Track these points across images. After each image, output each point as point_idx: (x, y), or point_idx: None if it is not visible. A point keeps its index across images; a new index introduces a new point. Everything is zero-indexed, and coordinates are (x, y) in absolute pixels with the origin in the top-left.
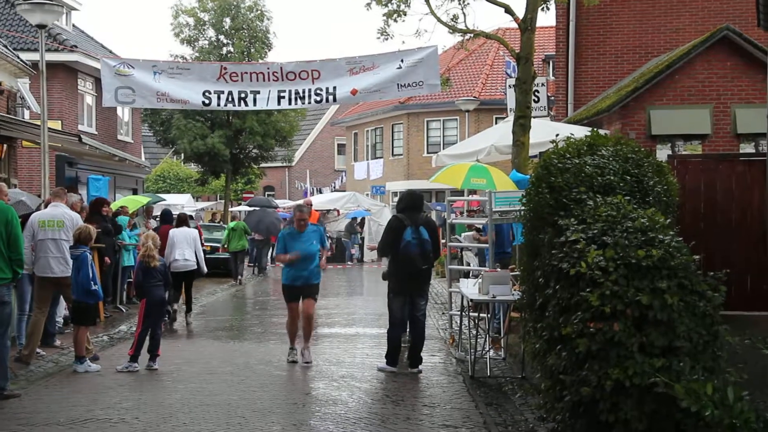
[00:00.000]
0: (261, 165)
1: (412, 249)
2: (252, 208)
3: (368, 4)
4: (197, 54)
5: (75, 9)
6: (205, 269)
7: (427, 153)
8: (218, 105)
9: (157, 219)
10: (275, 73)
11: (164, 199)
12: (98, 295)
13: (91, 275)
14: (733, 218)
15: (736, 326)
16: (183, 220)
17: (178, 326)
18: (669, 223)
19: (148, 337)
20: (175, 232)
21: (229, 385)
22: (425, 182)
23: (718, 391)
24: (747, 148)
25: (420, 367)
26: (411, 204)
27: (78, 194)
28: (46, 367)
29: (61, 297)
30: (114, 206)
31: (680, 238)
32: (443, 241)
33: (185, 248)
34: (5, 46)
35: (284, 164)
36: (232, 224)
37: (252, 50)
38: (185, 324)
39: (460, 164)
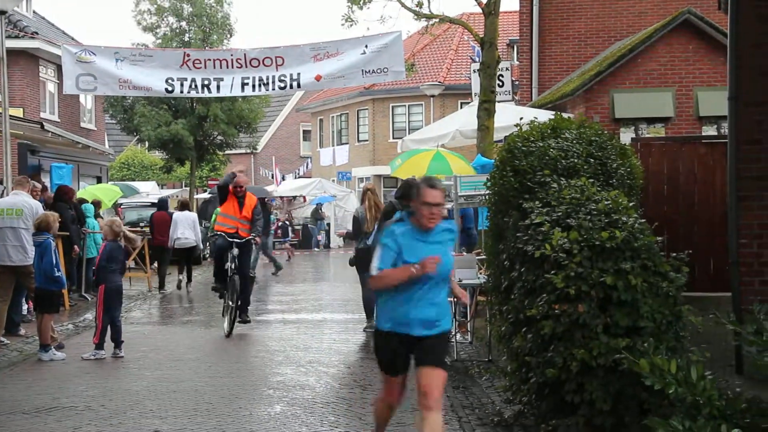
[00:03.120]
0: (226, 152)
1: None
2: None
3: None
4: (159, 41)
5: None
6: (201, 245)
7: (393, 138)
8: (181, 92)
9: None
10: (239, 60)
11: (137, 191)
12: (61, 282)
13: (54, 262)
14: (695, 200)
15: (699, 306)
16: (185, 205)
17: (144, 314)
18: (632, 205)
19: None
20: (177, 215)
21: (195, 372)
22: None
23: (682, 369)
24: (709, 131)
25: None
26: (407, 193)
27: (42, 182)
28: (11, 356)
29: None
30: (84, 194)
31: (643, 220)
32: None
33: (186, 228)
34: None
35: (249, 151)
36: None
37: (213, 37)
38: (186, 292)
39: (420, 155)
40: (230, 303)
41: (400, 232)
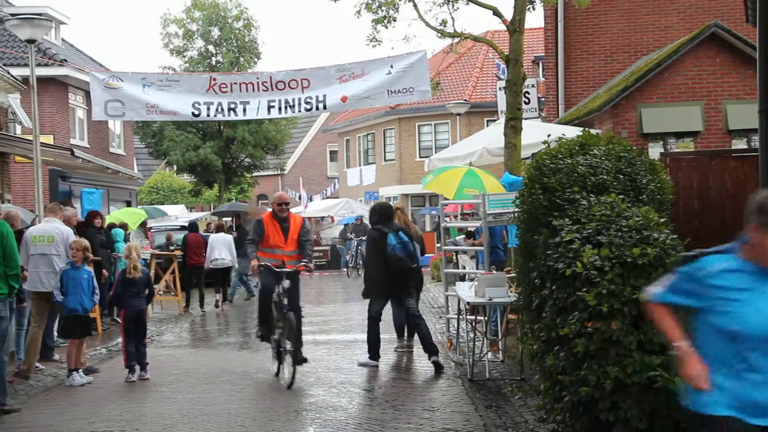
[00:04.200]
0: (253, 174)
1: (398, 251)
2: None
3: (358, 12)
4: (187, 64)
5: (63, 23)
6: (237, 265)
7: (419, 157)
8: (208, 116)
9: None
10: (265, 83)
11: (165, 213)
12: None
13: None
14: (727, 215)
15: None
16: (221, 227)
17: (175, 337)
18: (663, 221)
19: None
20: (213, 237)
21: (228, 395)
22: (418, 187)
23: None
24: (739, 144)
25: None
26: (384, 215)
27: (73, 207)
28: (45, 381)
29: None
30: (110, 219)
31: (675, 236)
32: (438, 245)
33: (222, 249)
34: None
35: (277, 172)
36: None
37: (241, 60)
38: (221, 311)
39: (455, 169)
40: (286, 345)
41: (724, 268)
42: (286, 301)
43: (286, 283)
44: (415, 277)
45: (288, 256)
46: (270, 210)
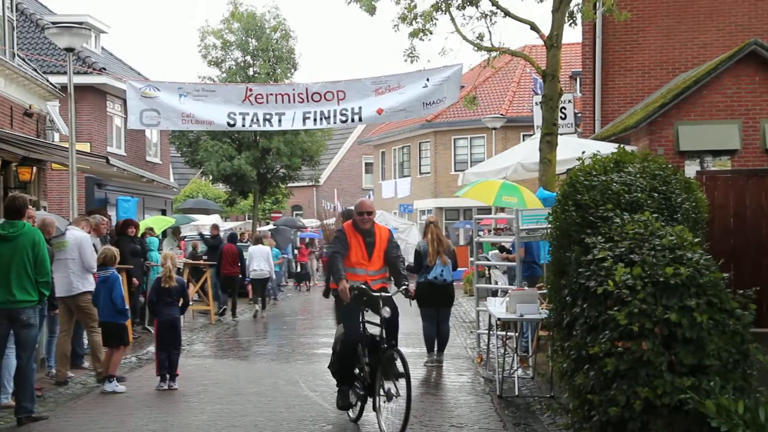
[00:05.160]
0: (288, 185)
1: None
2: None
3: (396, 26)
4: (224, 75)
5: (104, 32)
6: (274, 276)
7: (455, 171)
8: (243, 126)
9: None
10: (300, 95)
11: (195, 219)
12: (127, 315)
13: (122, 294)
14: (763, 233)
15: (766, 343)
16: (259, 240)
17: (205, 346)
18: (698, 240)
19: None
20: (252, 249)
21: (255, 406)
22: (453, 200)
23: (750, 410)
24: None
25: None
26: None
27: (107, 215)
28: (74, 388)
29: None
30: (142, 226)
31: (709, 256)
32: (471, 259)
33: (261, 261)
34: (35, 70)
35: (312, 183)
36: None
37: (278, 70)
38: (261, 318)
39: (491, 181)
40: (388, 393)
41: None
42: (383, 336)
43: (386, 311)
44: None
45: (372, 276)
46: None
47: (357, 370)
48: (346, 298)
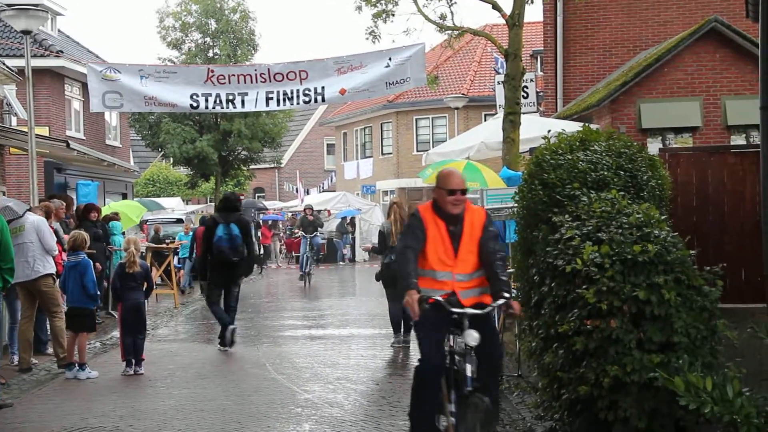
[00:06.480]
0: (250, 167)
1: (223, 243)
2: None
3: (359, 7)
4: (184, 57)
5: (60, 14)
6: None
7: (417, 151)
8: (206, 107)
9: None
10: (263, 75)
11: (163, 207)
12: (98, 300)
13: (95, 279)
14: (725, 210)
15: (731, 319)
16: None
17: (170, 331)
18: (663, 218)
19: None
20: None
21: (223, 390)
22: (416, 180)
23: (718, 386)
24: (738, 140)
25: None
26: (228, 205)
27: (70, 200)
28: (39, 375)
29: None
30: (106, 210)
31: (676, 233)
32: None
33: None
34: None
35: (273, 165)
36: None
37: (238, 52)
38: None
39: (455, 162)
40: None
41: None
42: (470, 371)
43: (473, 336)
44: (239, 269)
45: (462, 283)
46: (428, 201)
47: (442, 422)
48: (415, 315)
